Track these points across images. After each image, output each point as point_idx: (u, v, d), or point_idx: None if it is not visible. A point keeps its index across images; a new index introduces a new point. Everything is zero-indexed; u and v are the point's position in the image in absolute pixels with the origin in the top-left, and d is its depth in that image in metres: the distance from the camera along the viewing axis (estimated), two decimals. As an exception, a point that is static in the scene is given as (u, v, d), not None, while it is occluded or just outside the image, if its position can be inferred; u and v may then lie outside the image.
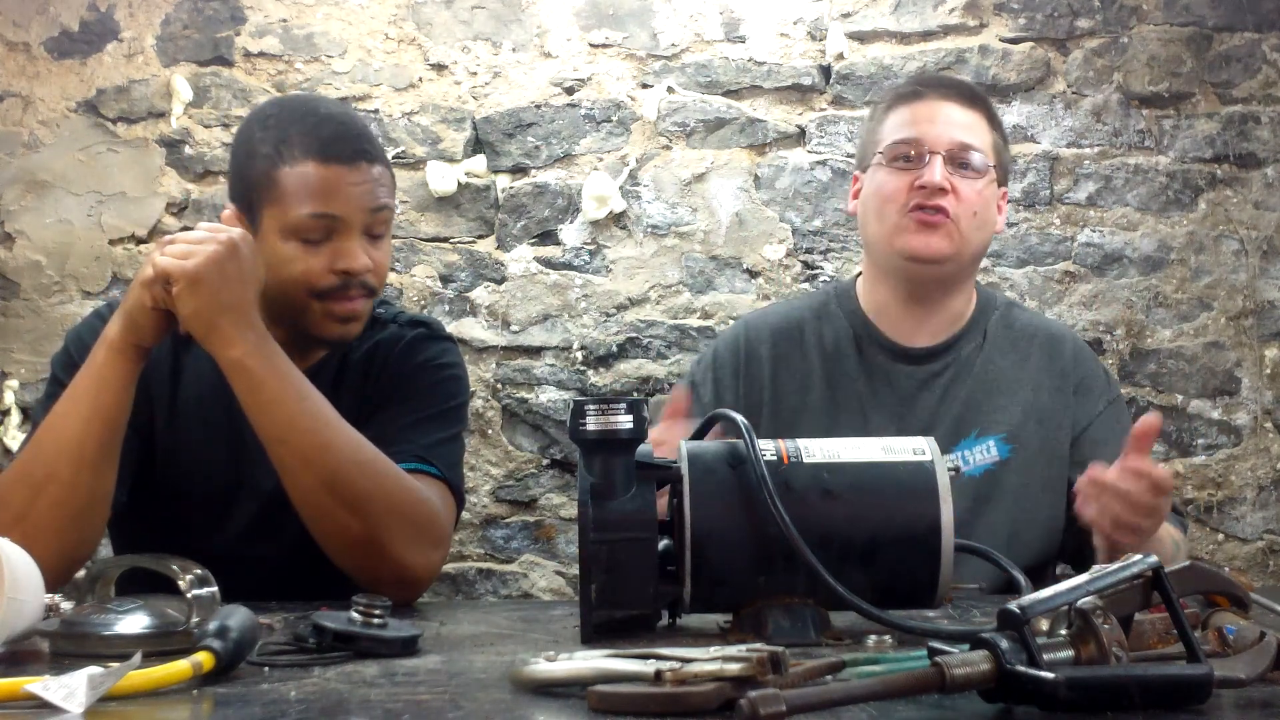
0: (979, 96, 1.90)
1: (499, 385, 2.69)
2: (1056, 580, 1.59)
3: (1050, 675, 0.81)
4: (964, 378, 1.84)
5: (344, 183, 1.60)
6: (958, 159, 1.79)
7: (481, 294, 2.70)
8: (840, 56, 2.70)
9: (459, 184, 2.70)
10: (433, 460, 1.63)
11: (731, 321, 2.61)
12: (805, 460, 1.19)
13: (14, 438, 2.64)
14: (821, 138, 2.67)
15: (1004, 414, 1.82)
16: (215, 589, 1.15)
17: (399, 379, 1.73)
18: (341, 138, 1.64)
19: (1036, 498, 1.80)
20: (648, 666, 0.87)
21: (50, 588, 1.21)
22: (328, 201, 1.59)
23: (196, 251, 1.46)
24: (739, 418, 1.20)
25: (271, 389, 1.49)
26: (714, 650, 0.88)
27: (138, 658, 0.94)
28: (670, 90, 2.70)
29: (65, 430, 1.49)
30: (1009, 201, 2.04)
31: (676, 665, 0.86)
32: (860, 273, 1.95)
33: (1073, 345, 1.90)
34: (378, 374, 1.74)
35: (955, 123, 1.81)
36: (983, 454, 1.79)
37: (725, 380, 1.88)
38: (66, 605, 1.23)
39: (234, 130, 2.69)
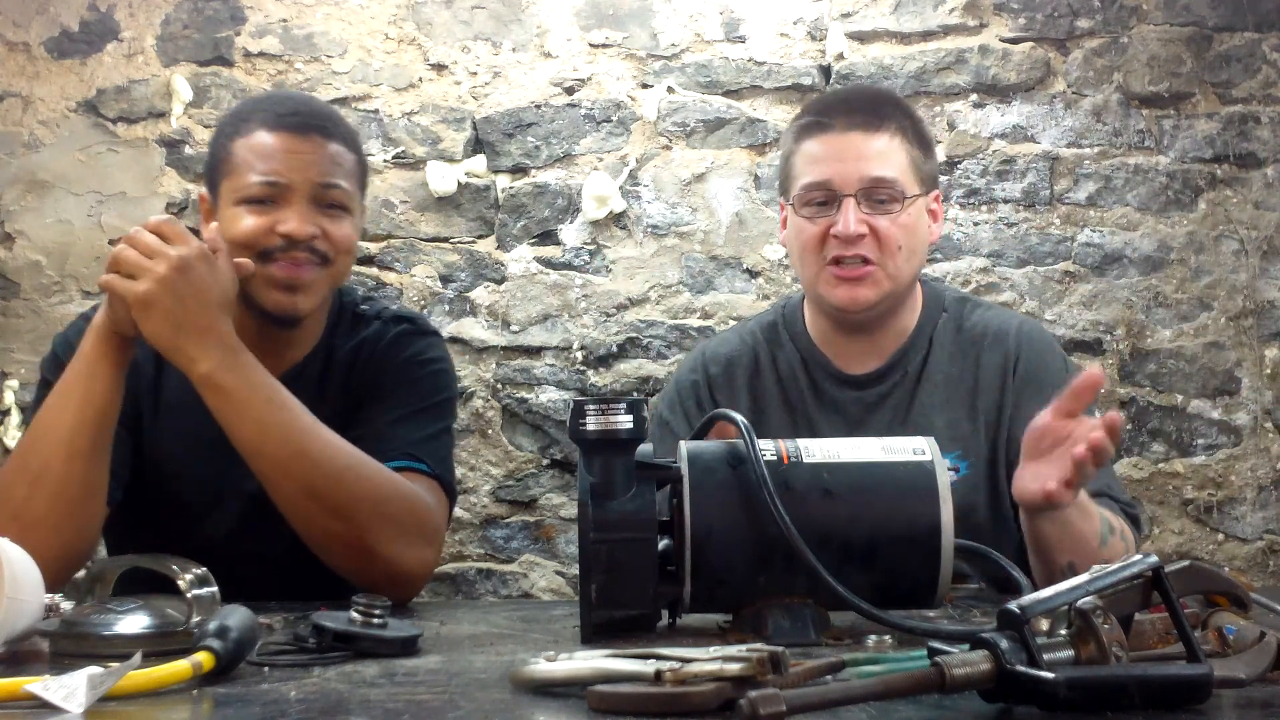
0: (888, 113, 1.79)
1: (499, 385, 2.68)
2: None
3: (1050, 675, 0.81)
4: (912, 394, 1.81)
5: (291, 150, 1.63)
6: (872, 195, 1.73)
7: (481, 294, 2.70)
8: (840, 56, 2.70)
9: (459, 184, 2.70)
10: (422, 456, 1.63)
11: (732, 321, 2.61)
12: (805, 460, 1.19)
13: (13, 437, 2.64)
14: (821, 138, 2.67)
15: (957, 428, 1.78)
16: (215, 589, 1.15)
17: (385, 375, 1.72)
18: (296, 113, 1.68)
19: (988, 509, 1.77)
20: (648, 666, 0.87)
21: (50, 587, 1.21)
22: (274, 167, 1.62)
23: (146, 271, 1.45)
24: (739, 417, 1.20)
25: (241, 401, 1.48)
26: (714, 650, 0.88)
27: (138, 658, 0.93)
28: (670, 90, 2.70)
29: (58, 422, 1.50)
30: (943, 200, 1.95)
31: (676, 665, 0.86)
32: (804, 296, 1.91)
33: (1018, 337, 1.81)
34: (363, 370, 1.74)
35: (865, 155, 1.73)
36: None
37: (692, 410, 1.85)
38: (66, 605, 1.23)
39: (234, 130, 2.71)
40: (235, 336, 1.51)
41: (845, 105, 1.83)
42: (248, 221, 1.61)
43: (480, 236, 2.72)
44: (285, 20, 2.73)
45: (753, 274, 2.68)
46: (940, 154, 2.53)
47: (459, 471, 2.66)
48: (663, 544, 1.19)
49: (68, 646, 1.11)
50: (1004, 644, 0.83)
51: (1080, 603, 0.86)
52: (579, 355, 2.68)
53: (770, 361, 1.87)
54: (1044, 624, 0.88)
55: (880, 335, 1.83)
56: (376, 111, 2.71)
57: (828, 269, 1.75)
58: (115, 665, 0.91)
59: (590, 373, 2.68)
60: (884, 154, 1.75)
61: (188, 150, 2.72)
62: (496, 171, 2.72)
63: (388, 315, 1.79)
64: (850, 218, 1.72)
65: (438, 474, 1.64)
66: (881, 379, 1.82)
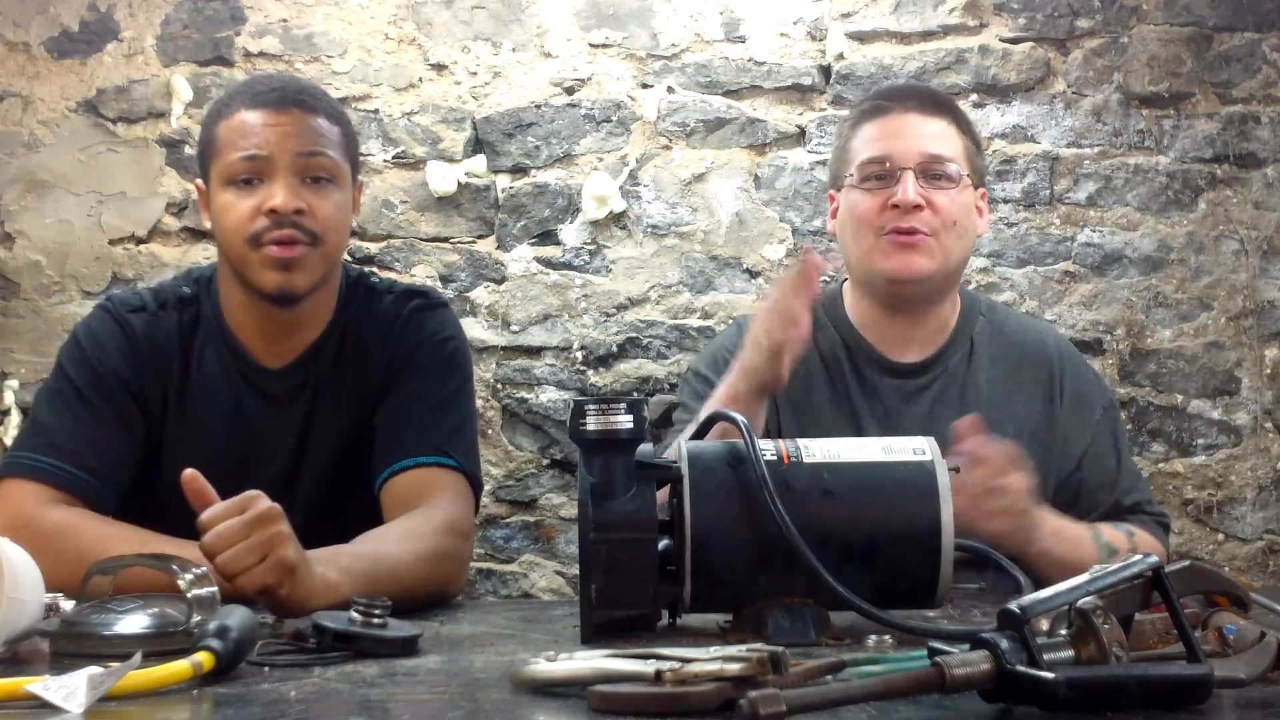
0: (945, 103, 1.88)
1: (499, 385, 2.68)
2: None
3: (1050, 675, 0.81)
4: (952, 391, 1.83)
5: (270, 124, 1.66)
6: (929, 171, 1.78)
7: (481, 294, 2.70)
8: (840, 56, 2.70)
9: (459, 184, 2.70)
10: (450, 452, 1.69)
11: (732, 322, 2.61)
12: (805, 460, 1.19)
13: (13, 437, 2.64)
14: (821, 138, 2.67)
15: (997, 431, 1.75)
16: (215, 589, 1.15)
17: (405, 356, 1.75)
18: (274, 89, 1.72)
19: None
20: (648, 666, 0.87)
21: (51, 586, 1.21)
22: (253, 142, 1.65)
23: (241, 567, 1.30)
24: (738, 417, 1.20)
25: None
26: (714, 650, 0.88)
27: (138, 658, 0.94)
28: (670, 90, 2.70)
29: (109, 548, 1.47)
30: (989, 202, 2.04)
31: (676, 665, 0.86)
32: (845, 280, 1.95)
33: (1058, 351, 1.88)
34: (381, 349, 1.76)
35: (924, 134, 1.80)
36: None
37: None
38: (66, 605, 1.23)
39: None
40: (305, 563, 1.35)
41: (904, 92, 1.95)
42: (236, 205, 1.65)
43: (480, 236, 2.72)
44: (285, 20, 2.73)
45: (753, 274, 2.68)
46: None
47: (459, 471, 2.66)
48: (663, 544, 1.19)
49: (68, 646, 1.12)
50: (1004, 644, 0.83)
51: (1080, 603, 0.86)
52: (579, 355, 2.68)
53: (813, 341, 1.86)
54: (1044, 624, 0.88)
55: (921, 324, 1.85)
56: (376, 111, 2.71)
57: (884, 238, 1.78)
58: (115, 665, 0.91)
59: (590, 373, 2.68)
60: (940, 136, 1.80)
61: (188, 150, 2.72)
62: (496, 171, 2.72)
63: (399, 290, 1.82)
64: (910, 187, 1.75)
65: (464, 468, 1.70)
66: (923, 371, 1.85)
